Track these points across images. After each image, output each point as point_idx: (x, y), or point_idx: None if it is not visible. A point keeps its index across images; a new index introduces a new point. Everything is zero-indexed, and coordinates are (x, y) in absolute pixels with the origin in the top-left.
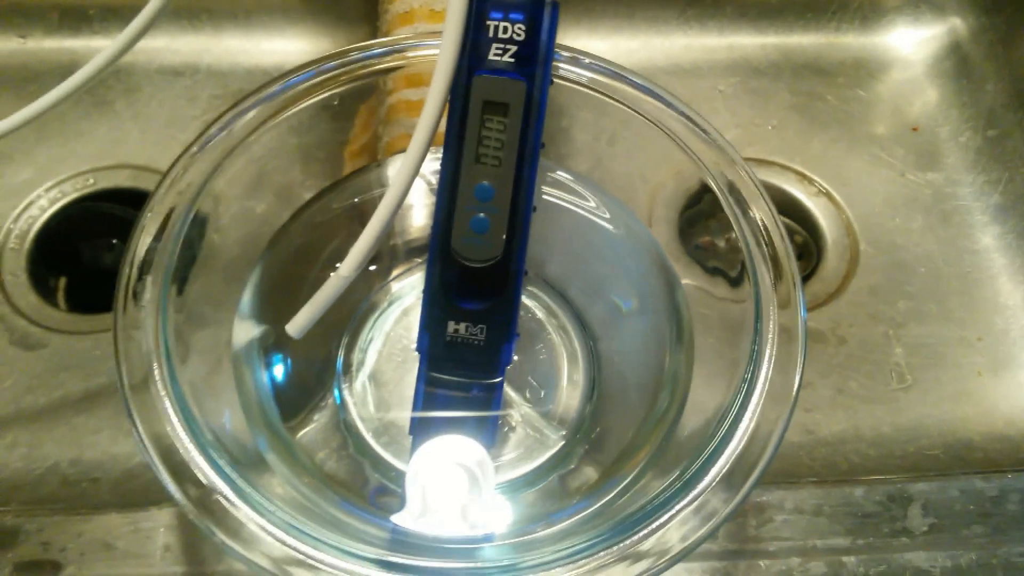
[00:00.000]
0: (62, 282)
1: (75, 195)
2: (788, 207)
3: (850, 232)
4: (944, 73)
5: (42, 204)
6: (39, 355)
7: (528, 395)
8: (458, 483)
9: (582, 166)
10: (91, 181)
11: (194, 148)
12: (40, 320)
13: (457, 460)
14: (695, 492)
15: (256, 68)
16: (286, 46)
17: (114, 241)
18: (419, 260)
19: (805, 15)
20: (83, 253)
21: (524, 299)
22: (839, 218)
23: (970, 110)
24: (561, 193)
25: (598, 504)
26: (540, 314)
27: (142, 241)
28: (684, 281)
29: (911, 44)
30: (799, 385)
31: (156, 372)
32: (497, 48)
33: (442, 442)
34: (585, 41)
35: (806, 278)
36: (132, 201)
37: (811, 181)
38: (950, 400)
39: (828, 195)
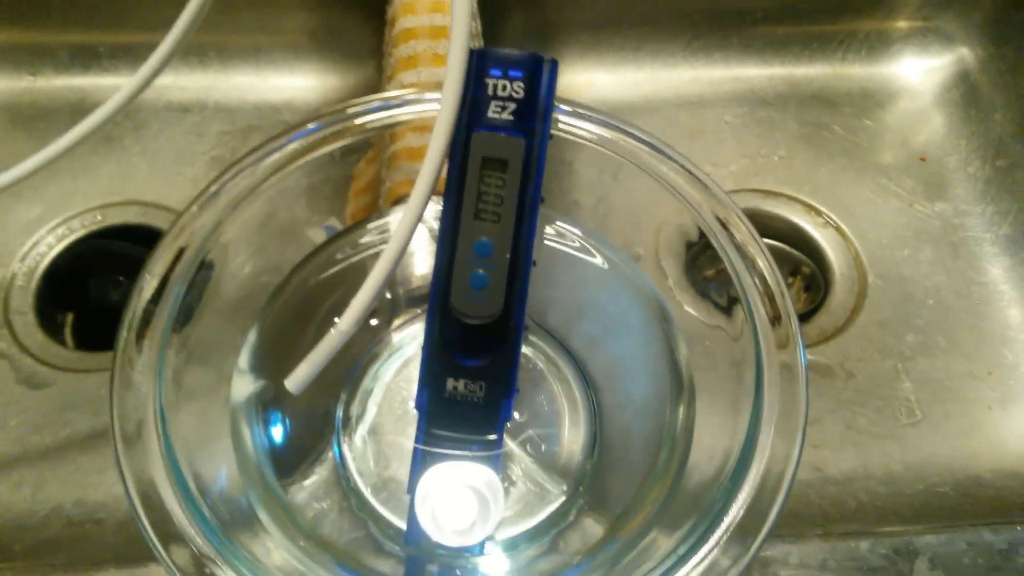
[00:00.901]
0: (69, 319)
1: (83, 232)
2: (795, 238)
3: (858, 264)
4: (952, 103)
5: (50, 241)
6: (45, 394)
7: (529, 448)
8: (468, 504)
9: (587, 200)
10: (99, 218)
11: (194, 207)
12: (47, 359)
13: (466, 482)
14: (703, 551)
15: (264, 104)
16: (294, 82)
17: (121, 278)
18: (420, 310)
19: (811, 45)
20: (91, 290)
21: (524, 348)
22: (847, 250)
23: (978, 140)
24: (562, 241)
25: (603, 564)
26: (540, 363)
27: (142, 296)
28: (690, 312)
29: (919, 74)
30: (803, 433)
31: (150, 433)
32: (496, 105)
33: (451, 466)
34: (591, 74)
35: (813, 311)
36: (140, 238)
37: (818, 212)
38: (960, 435)
39: (836, 226)
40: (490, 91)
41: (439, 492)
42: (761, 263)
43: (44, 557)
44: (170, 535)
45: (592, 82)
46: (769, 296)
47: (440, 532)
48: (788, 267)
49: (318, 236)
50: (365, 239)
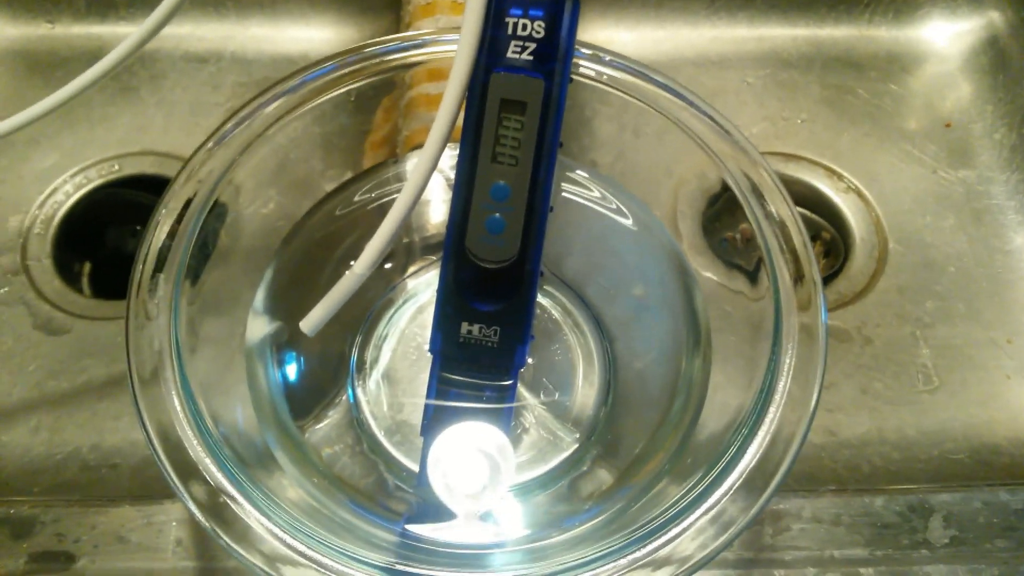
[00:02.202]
0: (86, 267)
1: (100, 181)
2: (816, 203)
3: (879, 230)
4: (980, 68)
5: (67, 190)
6: (63, 340)
7: (543, 396)
8: (479, 469)
9: (604, 158)
10: (116, 167)
11: (210, 143)
12: (64, 305)
13: (478, 446)
14: (712, 500)
15: (280, 56)
16: (311, 34)
17: (138, 227)
18: (435, 257)
19: (837, 7)
20: (107, 239)
21: (540, 298)
22: (868, 215)
23: (1006, 106)
24: (580, 191)
25: (612, 510)
26: (556, 314)
27: (158, 233)
28: (706, 275)
29: (946, 38)
30: (819, 391)
31: (167, 368)
32: (516, 45)
33: (463, 428)
34: (611, 32)
35: (833, 276)
36: (156, 188)
37: (840, 177)
38: (977, 403)
39: (857, 191)
40: (509, 31)
41: (451, 457)
42: (788, 221)
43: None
44: (188, 471)
45: (612, 40)
46: (793, 254)
47: (452, 497)
48: (809, 232)
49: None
50: (381, 184)
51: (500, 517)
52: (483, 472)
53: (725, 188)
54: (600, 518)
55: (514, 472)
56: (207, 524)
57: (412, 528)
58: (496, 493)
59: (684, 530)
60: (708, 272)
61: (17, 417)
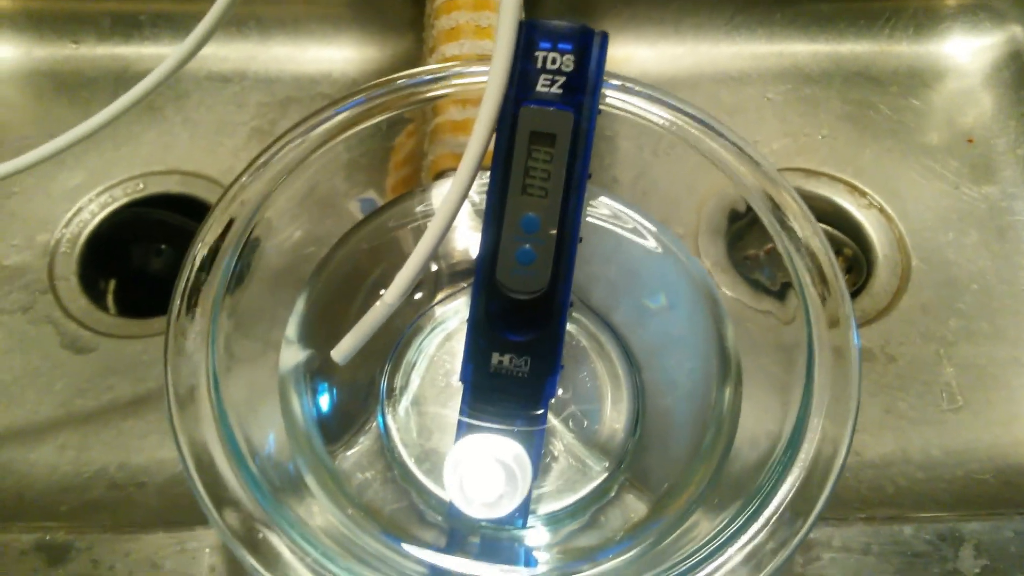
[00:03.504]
0: (112, 286)
1: (125, 200)
2: (838, 220)
3: (901, 247)
4: (1002, 83)
5: (93, 209)
6: (89, 359)
7: (571, 424)
8: (496, 478)
9: (626, 175)
10: (141, 186)
11: (243, 178)
12: (90, 324)
13: (496, 455)
14: (747, 537)
15: (303, 75)
16: (332, 54)
17: (163, 246)
18: (463, 284)
19: (857, 22)
20: (133, 258)
21: (568, 326)
22: (890, 232)
23: None
24: (608, 219)
25: (645, 544)
26: (584, 341)
27: (197, 259)
28: (733, 295)
29: (968, 52)
30: (855, 420)
31: (203, 394)
32: (545, 79)
33: (480, 438)
34: (631, 48)
35: (855, 293)
36: (182, 207)
37: (862, 193)
38: (1001, 423)
39: (880, 208)
40: (539, 64)
41: (468, 464)
42: (814, 242)
43: (88, 519)
44: (222, 498)
45: (631, 56)
46: (821, 276)
47: (468, 504)
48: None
49: (356, 208)
50: (410, 213)
51: (531, 548)
52: (500, 481)
53: (749, 207)
54: (632, 552)
55: (531, 482)
56: (241, 551)
57: (440, 561)
58: (513, 502)
59: (717, 568)
60: (734, 292)
61: (44, 436)
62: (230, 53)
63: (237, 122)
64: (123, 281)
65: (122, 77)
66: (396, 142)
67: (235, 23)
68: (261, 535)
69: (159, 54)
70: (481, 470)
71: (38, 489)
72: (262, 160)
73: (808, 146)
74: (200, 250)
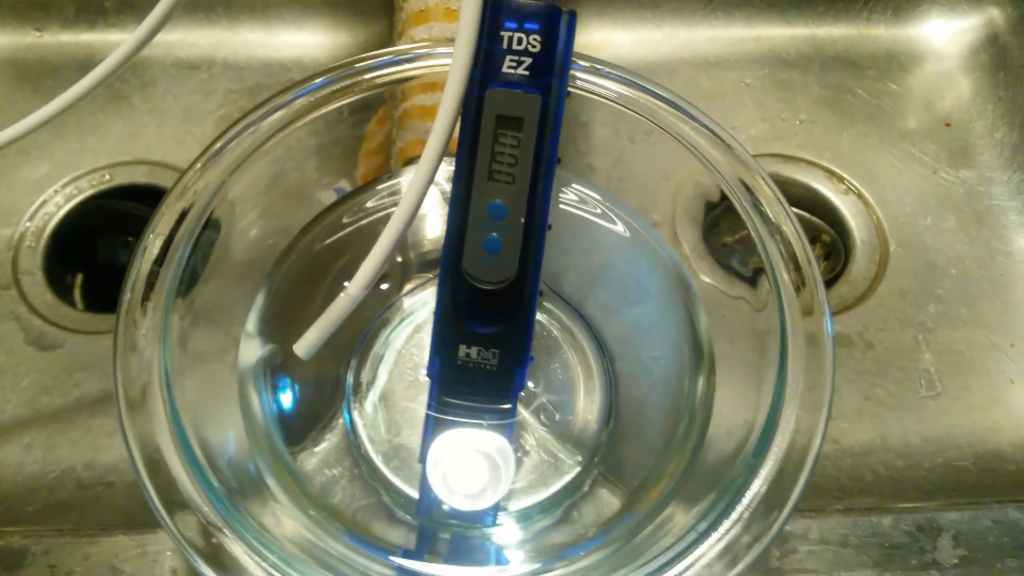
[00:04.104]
0: (78, 280)
1: (91, 192)
2: (816, 205)
3: (880, 232)
4: (980, 66)
5: (58, 201)
6: (55, 355)
7: (543, 418)
8: (479, 469)
9: (602, 163)
10: (107, 177)
11: (199, 163)
12: (56, 319)
13: (478, 447)
14: (721, 530)
15: (273, 61)
16: (303, 39)
17: (130, 239)
18: (432, 274)
19: (835, 5)
20: (99, 250)
21: (539, 315)
22: (869, 217)
23: (1007, 105)
24: (579, 206)
25: (619, 539)
26: (555, 331)
27: (149, 250)
28: (708, 280)
29: (945, 36)
30: (829, 406)
31: (155, 393)
32: (511, 60)
33: (463, 431)
34: (608, 33)
35: (834, 279)
36: (149, 197)
37: (840, 178)
38: (981, 409)
39: (858, 193)
40: (505, 45)
41: (451, 456)
42: (787, 228)
43: (55, 519)
44: (176, 502)
45: (608, 41)
46: (795, 263)
47: (451, 496)
48: (808, 234)
49: (328, 198)
50: (375, 201)
51: (502, 546)
52: (483, 473)
53: (724, 195)
54: (607, 549)
55: (514, 474)
56: (193, 556)
57: (407, 564)
58: (496, 494)
59: (692, 564)
60: (709, 278)
61: (9, 435)
62: (198, 39)
63: (205, 110)
64: (90, 275)
65: (87, 65)
66: (367, 130)
67: (203, 8)
68: (216, 539)
69: (124, 41)
70: (464, 462)
71: (3, 490)
72: (218, 146)
73: (786, 131)
74: (152, 240)
